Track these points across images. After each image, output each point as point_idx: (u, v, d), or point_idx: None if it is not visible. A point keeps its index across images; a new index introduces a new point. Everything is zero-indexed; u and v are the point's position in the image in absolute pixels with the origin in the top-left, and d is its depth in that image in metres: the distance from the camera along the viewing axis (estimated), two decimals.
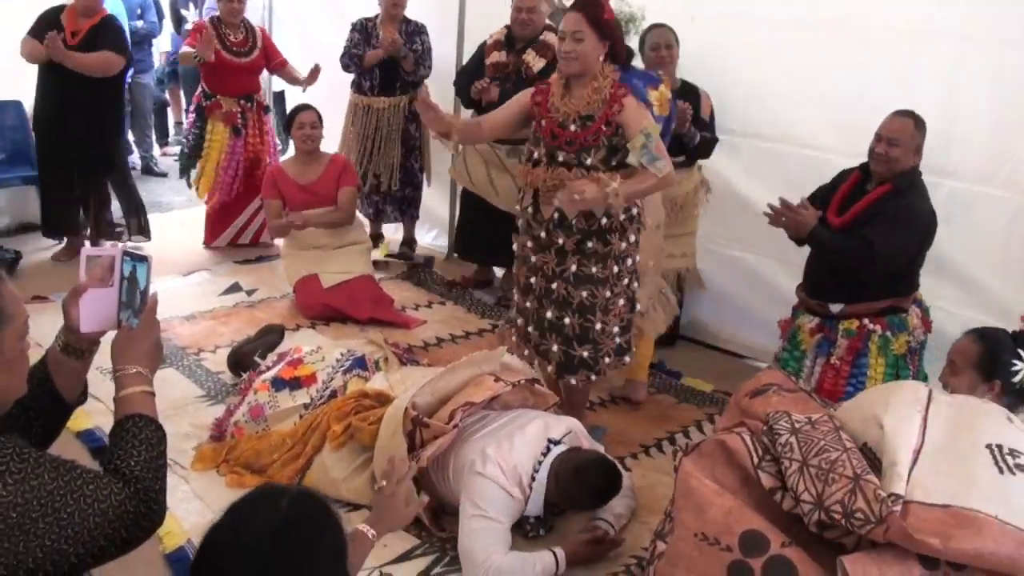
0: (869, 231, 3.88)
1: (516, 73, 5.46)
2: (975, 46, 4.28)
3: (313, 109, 5.82)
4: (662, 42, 4.73)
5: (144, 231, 6.56)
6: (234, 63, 6.37)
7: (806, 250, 4.20)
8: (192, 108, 6.71)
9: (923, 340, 4.14)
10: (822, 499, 2.63)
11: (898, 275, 4.02)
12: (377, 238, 6.83)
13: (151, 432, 1.90)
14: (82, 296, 2.00)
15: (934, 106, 4.26)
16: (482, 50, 5.70)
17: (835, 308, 4.09)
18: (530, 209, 3.90)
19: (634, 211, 3.82)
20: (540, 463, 3.28)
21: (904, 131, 3.91)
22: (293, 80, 6.70)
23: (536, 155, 3.83)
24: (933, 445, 2.71)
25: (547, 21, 5.53)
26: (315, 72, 6.40)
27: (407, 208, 6.70)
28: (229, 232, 6.80)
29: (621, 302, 3.87)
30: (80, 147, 5.97)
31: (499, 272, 6.32)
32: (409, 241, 6.89)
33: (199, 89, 6.61)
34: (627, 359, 4.04)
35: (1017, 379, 3.15)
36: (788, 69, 4.89)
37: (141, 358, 1.99)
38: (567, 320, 3.85)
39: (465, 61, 6.13)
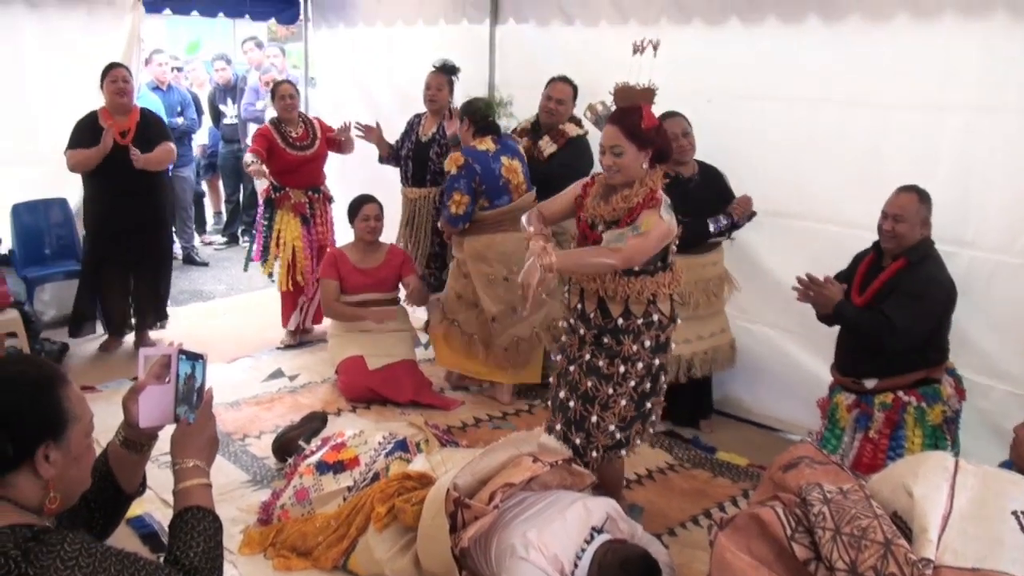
0: (888, 306, 3.95)
1: (531, 158, 5.65)
2: (988, 115, 4.36)
3: (376, 201, 5.94)
4: (678, 131, 4.87)
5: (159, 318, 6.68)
6: (298, 157, 6.54)
7: (834, 327, 4.27)
8: (262, 200, 6.87)
9: (958, 409, 4.15)
10: (856, 566, 2.70)
11: (925, 345, 4.05)
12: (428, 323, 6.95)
13: (208, 523, 2.01)
14: (141, 393, 2.12)
15: (950, 176, 4.40)
16: (514, 133, 5.92)
17: (869, 384, 4.13)
18: (566, 295, 4.06)
19: (655, 317, 3.84)
20: (583, 551, 3.33)
21: (908, 206, 3.99)
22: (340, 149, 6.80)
23: (573, 247, 3.99)
24: (961, 511, 2.78)
25: (573, 113, 5.71)
26: (344, 130, 6.58)
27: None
28: (297, 315, 6.89)
29: (623, 402, 3.87)
30: (137, 240, 6.15)
31: None
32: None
33: (267, 184, 6.68)
34: (623, 453, 4.03)
35: None
36: (805, 147, 5.01)
37: (198, 452, 2.10)
38: (571, 404, 3.93)
39: None
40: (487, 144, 5.47)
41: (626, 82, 3.75)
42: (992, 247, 4.43)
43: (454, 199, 5.36)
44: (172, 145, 6.25)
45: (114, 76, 5.94)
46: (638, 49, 3.75)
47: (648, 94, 3.73)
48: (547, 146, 5.67)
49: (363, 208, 5.86)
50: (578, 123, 5.65)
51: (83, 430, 1.88)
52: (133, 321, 6.55)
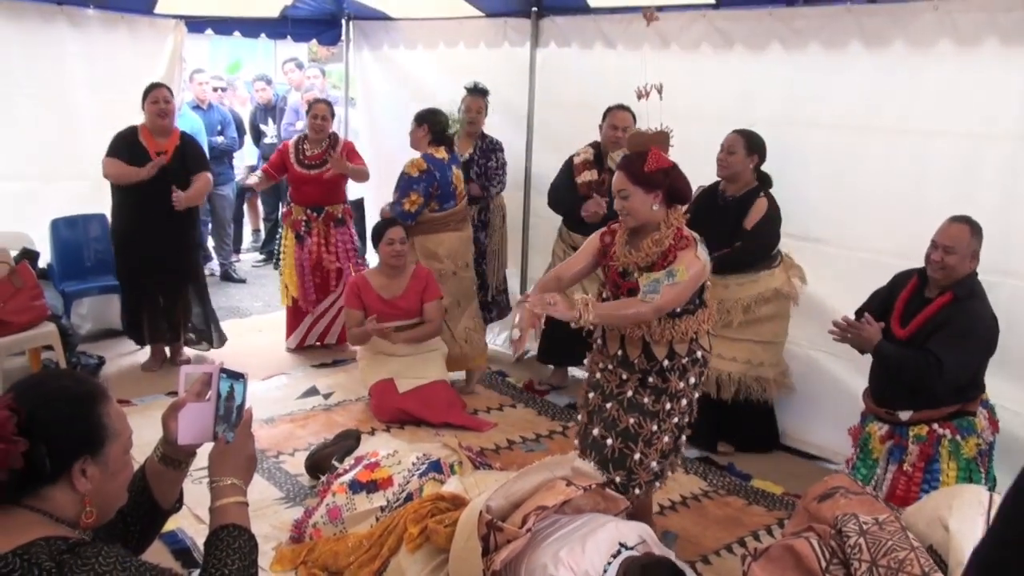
0: (935, 345, 3.87)
1: (608, 190, 5.63)
2: (988, 143, 4.38)
3: (399, 225, 5.88)
4: (724, 145, 5.00)
5: (221, 341, 6.74)
6: (304, 175, 6.64)
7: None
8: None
9: (992, 441, 4.10)
10: None
11: (966, 383, 4.01)
12: None
13: (244, 541, 2.02)
14: (180, 410, 2.14)
15: (993, 205, 4.36)
16: (570, 166, 5.91)
17: (904, 415, 4.08)
18: (599, 341, 4.05)
19: (699, 354, 3.87)
20: (610, 564, 3.31)
21: (960, 238, 3.90)
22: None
23: (604, 295, 3.98)
24: None
25: None
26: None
27: (483, 312, 6.83)
28: (299, 331, 7.00)
29: (666, 439, 3.89)
30: (162, 261, 6.17)
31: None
32: None
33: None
34: (658, 485, 4.04)
35: None
36: (847, 174, 5.01)
37: (236, 470, 2.11)
38: (609, 441, 3.92)
39: (533, 168, 6.44)
40: (442, 153, 6.03)
41: (639, 129, 3.81)
42: None
43: (410, 198, 5.90)
44: (209, 176, 6.31)
45: (155, 97, 5.97)
46: (642, 95, 3.79)
47: (662, 137, 3.76)
48: None
49: (387, 232, 5.82)
50: None
51: (122, 447, 1.90)
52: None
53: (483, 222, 6.63)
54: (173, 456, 2.17)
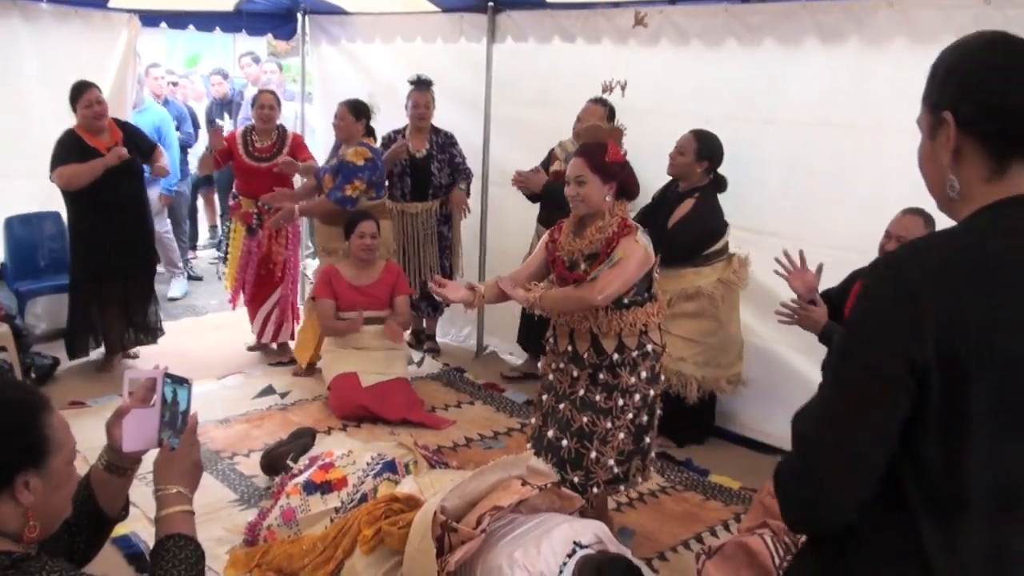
0: None
1: None
2: None
3: (372, 218, 5.93)
4: (678, 144, 5.08)
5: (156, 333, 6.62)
6: (253, 167, 6.57)
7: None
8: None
9: None
10: None
11: None
12: (419, 333, 7.11)
13: (190, 552, 1.98)
14: (125, 417, 2.10)
15: None
16: (550, 155, 5.95)
17: None
18: (551, 339, 4.06)
19: (649, 348, 3.88)
20: (565, 564, 3.31)
21: (913, 228, 3.97)
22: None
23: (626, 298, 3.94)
24: None
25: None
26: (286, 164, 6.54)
27: (437, 305, 6.88)
28: (256, 325, 6.94)
29: (621, 435, 3.87)
30: (123, 255, 6.11)
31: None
32: (432, 336, 7.15)
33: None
34: (622, 488, 4.05)
35: None
36: (804, 169, 5.03)
37: (181, 478, 2.08)
38: (564, 442, 3.91)
39: (490, 162, 6.54)
40: (375, 144, 6.28)
41: (593, 123, 3.83)
42: None
43: (354, 184, 6.00)
44: (162, 148, 6.37)
45: (88, 101, 5.82)
46: (607, 88, 3.82)
47: (616, 133, 3.87)
48: None
49: (359, 225, 5.85)
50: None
51: (65, 458, 1.85)
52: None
53: (445, 216, 6.65)
54: (118, 464, 2.14)
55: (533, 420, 4.23)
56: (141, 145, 6.11)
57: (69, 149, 5.82)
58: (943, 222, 3.96)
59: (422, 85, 6.45)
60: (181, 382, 2.17)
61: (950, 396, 1.47)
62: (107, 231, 5.98)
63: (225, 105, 9.55)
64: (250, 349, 6.95)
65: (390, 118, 6.91)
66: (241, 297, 6.93)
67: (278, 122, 6.69)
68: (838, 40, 4.83)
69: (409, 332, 6.95)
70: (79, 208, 6.01)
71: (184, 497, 2.07)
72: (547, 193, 5.74)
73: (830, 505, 1.58)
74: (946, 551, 1.52)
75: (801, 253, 4.02)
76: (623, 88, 3.69)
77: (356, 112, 6.18)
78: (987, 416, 1.47)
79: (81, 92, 5.84)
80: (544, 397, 4.09)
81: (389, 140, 6.57)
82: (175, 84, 9.55)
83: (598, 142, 3.84)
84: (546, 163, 5.97)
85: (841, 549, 1.63)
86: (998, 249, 1.53)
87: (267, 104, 6.57)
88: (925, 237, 1.79)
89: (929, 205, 3.93)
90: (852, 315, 1.60)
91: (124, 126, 6.17)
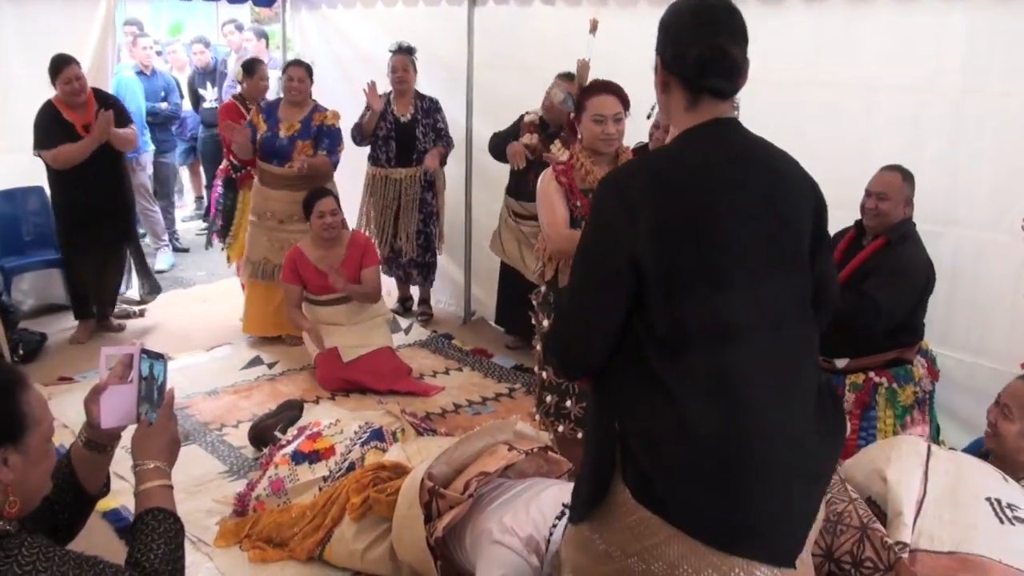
0: (870, 287, 3.97)
1: (540, 159, 5.62)
2: (973, 97, 4.36)
3: (331, 194, 5.84)
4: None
5: (155, 289, 6.81)
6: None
7: None
8: (219, 181, 6.91)
9: (931, 390, 4.19)
10: (832, 550, 2.72)
11: (901, 327, 4.07)
12: (406, 301, 7.09)
13: (169, 525, 1.99)
14: (103, 393, 2.10)
15: (937, 157, 4.42)
16: (519, 122, 5.89)
17: (840, 363, 4.14)
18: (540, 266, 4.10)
19: None
20: (555, 526, 3.33)
21: (893, 185, 4.05)
22: None
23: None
24: (935, 496, 2.80)
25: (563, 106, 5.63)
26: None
27: (427, 272, 6.88)
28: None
29: None
30: (105, 222, 6.14)
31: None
32: (426, 300, 7.11)
33: (224, 163, 6.82)
34: None
35: None
36: (790, 130, 4.93)
37: (160, 453, 2.08)
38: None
39: (474, 128, 6.53)
40: None
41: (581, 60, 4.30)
42: (979, 226, 4.43)
43: (342, 146, 6.27)
44: (135, 128, 6.32)
45: (67, 77, 5.82)
46: (594, 27, 3.96)
47: (584, 68, 4.30)
48: (560, 152, 5.59)
49: (318, 204, 5.72)
50: None
51: (43, 434, 1.85)
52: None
53: (429, 182, 6.59)
54: (97, 440, 2.13)
55: (544, 374, 4.25)
56: (119, 119, 6.05)
57: (48, 127, 5.85)
58: (936, 182, 4.06)
59: (401, 51, 6.41)
60: (157, 357, 2.17)
61: (665, 270, 1.97)
62: (85, 201, 6.02)
63: (208, 74, 9.44)
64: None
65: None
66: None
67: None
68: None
69: (396, 300, 6.94)
70: (57, 180, 6.08)
71: (162, 472, 2.07)
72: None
73: (578, 357, 2.13)
74: (675, 375, 1.98)
75: None
76: (594, 30, 3.78)
77: (311, 74, 6.24)
78: (694, 279, 1.99)
79: (60, 68, 5.83)
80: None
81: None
82: (159, 54, 9.46)
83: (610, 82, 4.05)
84: (515, 131, 5.89)
85: (607, 388, 2.11)
86: (694, 158, 2.08)
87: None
88: (644, 155, 2.45)
89: (919, 163, 4.03)
90: (588, 222, 2.12)
91: (103, 99, 6.13)
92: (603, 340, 2.06)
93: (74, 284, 6.39)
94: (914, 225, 4.12)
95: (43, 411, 1.87)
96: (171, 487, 2.07)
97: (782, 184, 2.15)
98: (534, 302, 4.26)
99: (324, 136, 6.16)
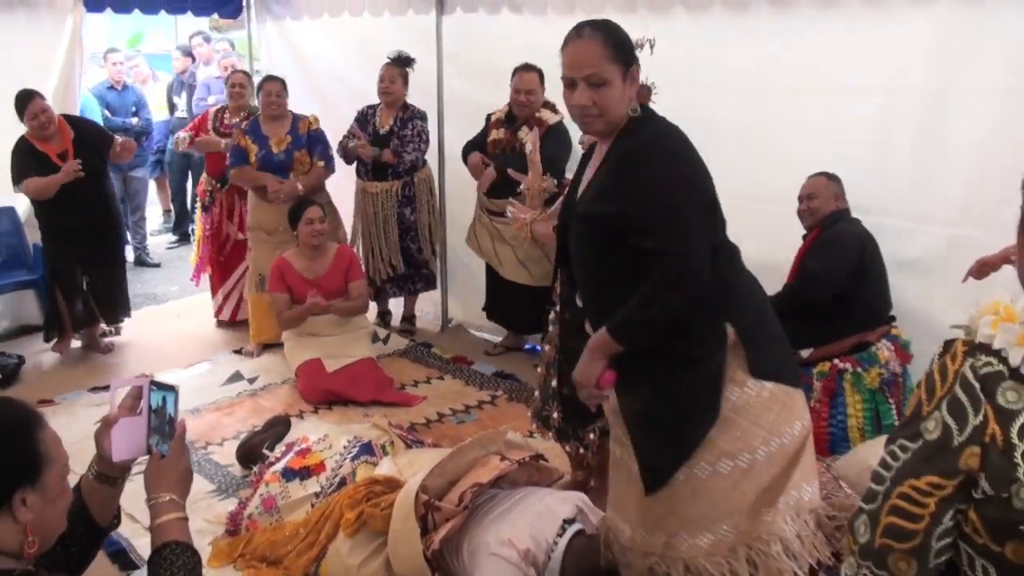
0: (805, 262, 4.33)
1: (511, 149, 5.69)
2: (939, 98, 4.45)
3: (317, 204, 5.87)
4: None
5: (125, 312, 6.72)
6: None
7: None
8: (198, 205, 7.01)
9: (901, 372, 4.31)
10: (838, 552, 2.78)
11: (851, 305, 4.26)
12: (385, 315, 7.05)
13: (187, 558, 2.01)
14: (113, 427, 2.11)
15: (904, 159, 4.59)
16: (487, 124, 5.95)
17: (804, 353, 4.29)
18: (556, 286, 4.10)
19: None
20: (556, 544, 3.36)
21: (818, 185, 4.48)
22: None
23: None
24: None
25: (544, 98, 5.73)
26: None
27: (406, 285, 6.82)
28: (217, 300, 7.01)
29: None
30: (92, 241, 6.12)
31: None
32: (409, 317, 7.07)
33: (203, 183, 6.90)
34: None
35: None
36: (759, 133, 5.02)
37: (173, 485, 2.10)
38: (566, 392, 3.93)
39: (446, 137, 6.59)
40: None
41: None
42: (952, 222, 4.50)
43: (331, 147, 6.36)
44: (119, 137, 6.29)
45: (33, 111, 5.79)
46: (639, 46, 3.83)
47: (644, 92, 3.82)
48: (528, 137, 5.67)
49: (306, 212, 5.74)
50: (553, 108, 5.68)
51: (59, 472, 1.87)
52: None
53: (408, 197, 6.51)
54: (108, 473, 2.15)
55: (539, 369, 4.24)
56: (96, 141, 6.06)
57: (23, 159, 5.84)
58: (905, 182, 4.19)
59: (392, 62, 6.35)
60: (168, 389, 2.19)
61: (712, 200, 2.78)
62: (71, 223, 6.01)
63: (185, 83, 9.44)
64: (219, 326, 7.01)
65: (337, 95, 6.97)
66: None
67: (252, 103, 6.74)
68: (787, 3, 4.84)
69: (376, 314, 6.91)
70: (45, 208, 6.06)
71: (177, 504, 2.09)
72: (498, 166, 5.77)
73: (700, 274, 2.58)
74: (735, 275, 2.76)
75: None
76: (652, 46, 3.66)
77: (286, 87, 6.32)
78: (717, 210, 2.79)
79: (25, 103, 5.80)
80: (546, 348, 4.10)
81: (363, 116, 6.50)
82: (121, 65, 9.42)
83: None
84: (484, 133, 5.96)
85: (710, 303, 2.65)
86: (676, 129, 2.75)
87: (239, 83, 6.59)
88: (664, 123, 2.81)
89: (888, 165, 4.12)
90: (684, 165, 2.70)
91: (76, 124, 6.12)
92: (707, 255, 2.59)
93: (55, 303, 6.30)
94: (848, 213, 4.45)
95: (58, 449, 1.88)
96: (186, 519, 2.10)
97: None
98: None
99: (316, 142, 6.24)
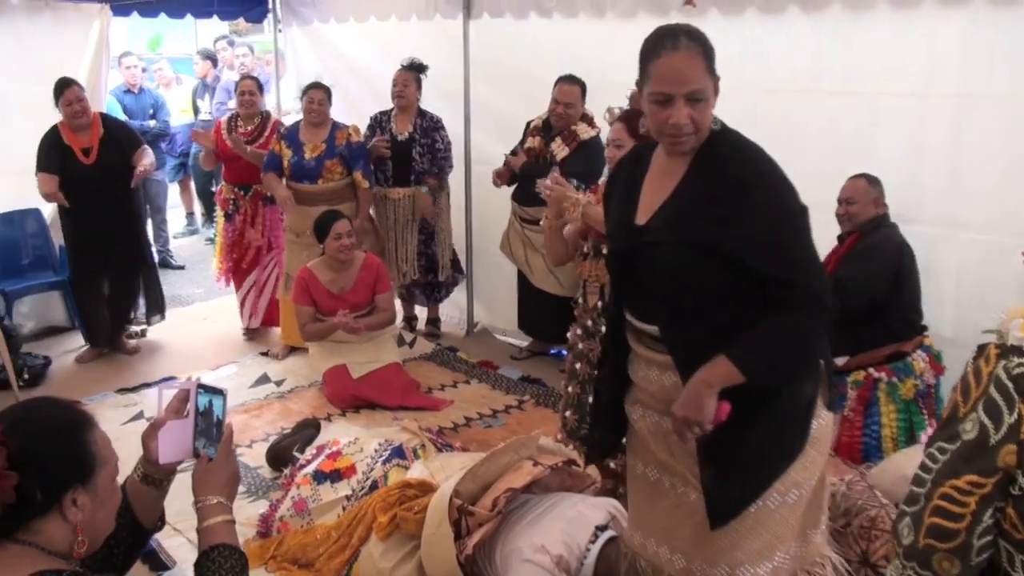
0: (840, 271, 4.22)
1: (543, 158, 5.70)
2: (973, 101, 4.44)
3: (346, 217, 5.75)
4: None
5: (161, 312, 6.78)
6: (235, 152, 6.53)
7: None
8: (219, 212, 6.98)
9: (932, 384, 4.28)
10: (867, 556, 2.76)
11: (888, 316, 4.23)
12: (411, 320, 7.05)
13: (235, 561, 2.01)
14: (160, 429, 2.12)
15: (936, 163, 4.58)
16: (526, 131, 5.97)
17: (840, 361, 4.24)
18: (580, 299, 4.07)
19: None
20: (588, 550, 3.35)
21: (857, 188, 4.37)
22: None
23: (585, 248, 4.05)
24: None
25: (584, 111, 5.70)
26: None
27: (431, 292, 6.84)
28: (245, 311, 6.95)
29: None
30: (114, 250, 6.16)
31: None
32: (434, 320, 7.06)
33: (223, 191, 6.87)
34: None
35: None
36: (792, 138, 4.93)
37: (221, 488, 2.10)
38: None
39: (472, 141, 6.62)
40: None
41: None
42: (985, 228, 4.48)
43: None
44: (147, 147, 6.32)
45: (68, 99, 5.87)
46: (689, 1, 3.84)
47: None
48: (559, 150, 5.67)
49: (334, 226, 5.58)
50: (591, 122, 5.65)
51: (109, 474, 1.88)
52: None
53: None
54: (154, 475, 2.16)
55: (569, 389, 4.23)
56: (124, 144, 6.10)
57: (47, 151, 5.90)
58: (938, 186, 4.17)
59: (406, 67, 6.36)
60: (215, 392, 2.19)
61: None
62: (95, 228, 6.05)
63: (208, 87, 9.49)
64: (245, 334, 6.96)
65: (363, 100, 6.96)
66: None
67: (263, 108, 6.74)
68: (819, 7, 4.82)
69: (402, 318, 6.89)
70: (69, 212, 6.09)
71: (225, 507, 2.09)
72: (524, 172, 5.78)
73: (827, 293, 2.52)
74: None
75: None
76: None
77: (330, 96, 6.27)
78: None
79: (61, 90, 5.88)
80: (577, 366, 4.09)
81: (376, 122, 6.51)
82: (144, 71, 9.46)
83: (637, 108, 3.87)
84: (521, 140, 5.97)
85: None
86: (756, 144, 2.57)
87: (248, 90, 6.57)
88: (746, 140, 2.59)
89: (920, 169, 4.09)
90: (790, 194, 2.53)
91: (109, 123, 6.17)
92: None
93: (83, 308, 6.39)
94: (887, 218, 4.36)
95: (108, 450, 1.89)
96: (234, 522, 2.10)
97: None
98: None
99: (358, 157, 6.18)
